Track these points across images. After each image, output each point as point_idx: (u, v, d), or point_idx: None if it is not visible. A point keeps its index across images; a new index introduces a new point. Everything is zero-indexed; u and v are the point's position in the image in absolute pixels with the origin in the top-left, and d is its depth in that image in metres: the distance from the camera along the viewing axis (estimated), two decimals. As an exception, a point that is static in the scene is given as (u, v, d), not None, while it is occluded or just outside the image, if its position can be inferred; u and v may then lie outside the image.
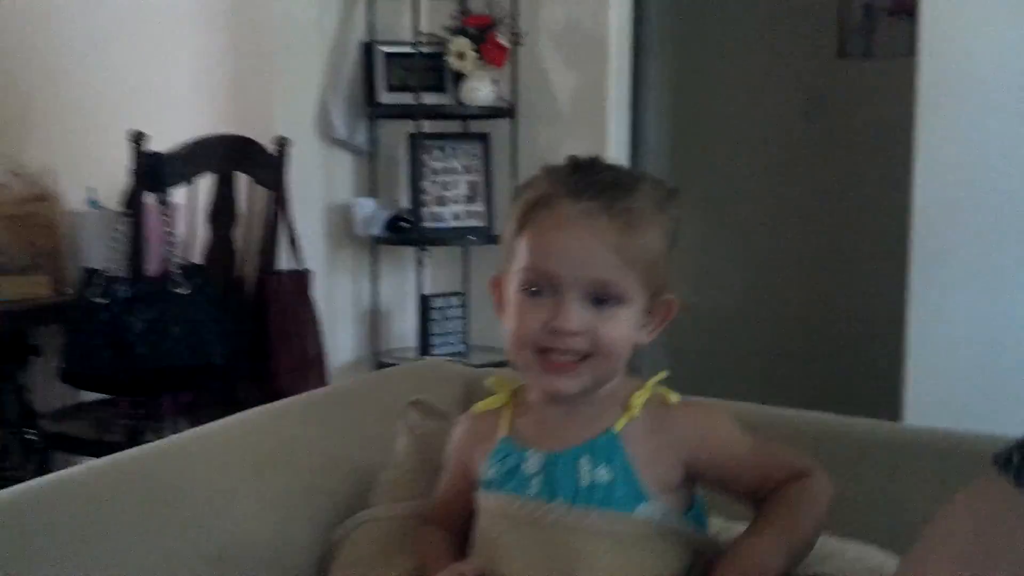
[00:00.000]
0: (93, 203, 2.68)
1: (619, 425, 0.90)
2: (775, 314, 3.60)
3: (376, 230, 2.83)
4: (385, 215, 2.84)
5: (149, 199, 2.19)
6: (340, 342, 2.90)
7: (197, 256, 2.35)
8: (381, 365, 2.81)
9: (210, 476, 1.06)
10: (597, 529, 0.88)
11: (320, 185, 2.84)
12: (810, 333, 3.55)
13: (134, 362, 2.14)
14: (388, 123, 2.92)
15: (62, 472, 1.04)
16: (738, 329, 3.52)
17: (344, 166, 2.91)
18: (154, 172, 2.15)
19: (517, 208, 0.90)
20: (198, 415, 2.36)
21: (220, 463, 1.08)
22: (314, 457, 1.13)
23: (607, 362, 0.88)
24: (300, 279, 2.49)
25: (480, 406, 0.99)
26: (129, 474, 1.07)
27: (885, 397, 2.46)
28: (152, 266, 2.26)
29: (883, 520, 1.00)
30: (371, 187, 2.91)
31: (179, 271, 2.19)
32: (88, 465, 1.09)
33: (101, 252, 2.29)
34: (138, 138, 2.15)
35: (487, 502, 0.94)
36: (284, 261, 2.48)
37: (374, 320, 2.98)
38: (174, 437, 1.14)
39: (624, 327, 0.88)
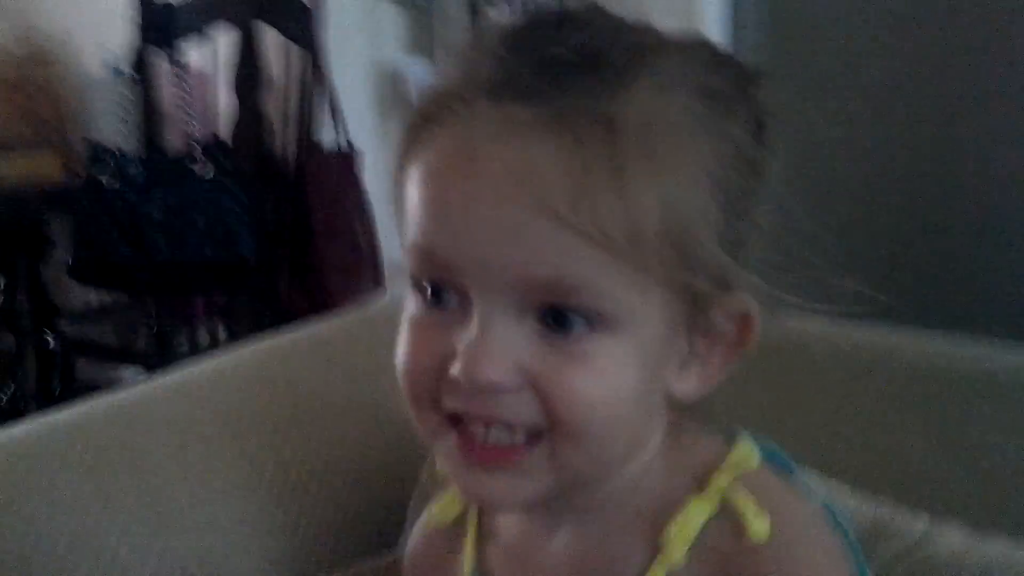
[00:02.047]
0: (114, 70, 2.33)
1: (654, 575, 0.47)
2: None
3: (433, 98, 2.44)
4: (443, 80, 2.44)
5: (159, 59, 1.82)
6: (394, 233, 2.55)
7: (222, 131, 1.99)
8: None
9: (176, 446, 0.72)
10: None
11: (364, 44, 2.44)
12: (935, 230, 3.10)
13: (153, 256, 1.82)
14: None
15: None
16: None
17: (392, 20, 2.50)
18: (160, 23, 1.77)
19: (410, 116, 0.46)
20: (235, 319, 2.07)
21: (189, 427, 0.74)
22: (338, 416, 0.79)
23: (577, 450, 0.44)
24: (346, 159, 2.13)
25: (432, 515, 0.58)
26: (82, 435, 0.73)
27: None
28: (169, 142, 1.91)
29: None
30: (426, 46, 2.50)
31: (199, 148, 1.83)
32: (28, 425, 0.76)
33: (113, 125, 1.96)
34: (141, -18, 1.77)
35: None
36: (325, 137, 2.11)
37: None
38: (139, 386, 0.80)
39: (612, 377, 0.44)
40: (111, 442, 0.73)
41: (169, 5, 1.81)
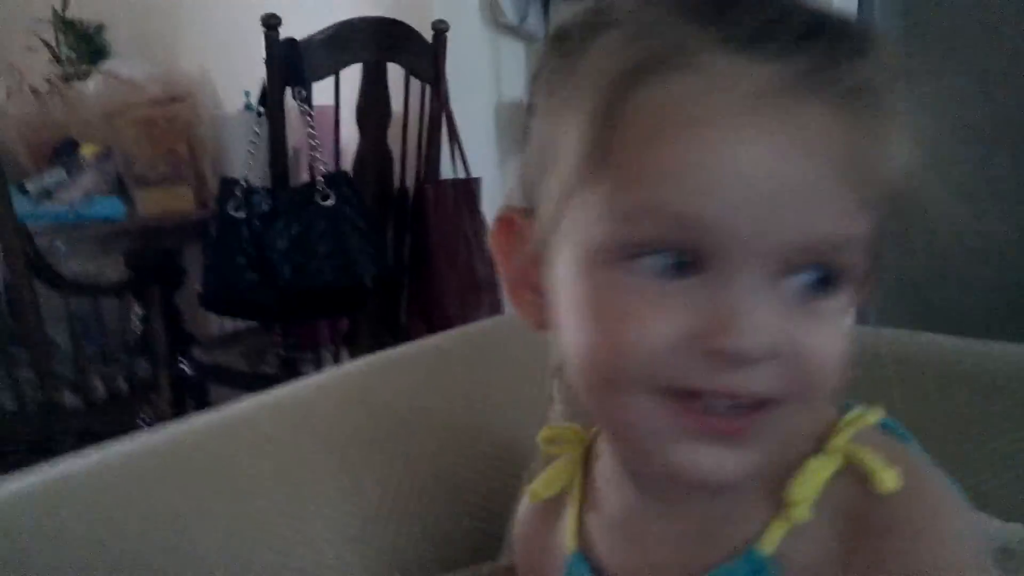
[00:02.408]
0: (249, 106, 2.43)
1: (770, 539, 0.45)
2: None
3: (553, 130, 2.43)
4: (563, 112, 2.44)
5: (288, 97, 1.88)
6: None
7: (346, 163, 2.04)
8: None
9: (274, 466, 0.72)
10: None
11: (488, 80, 2.47)
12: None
13: (278, 284, 1.87)
14: (566, 5, 2.48)
15: (75, 461, 0.72)
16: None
17: (516, 57, 2.51)
18: (291, 63, 1.83)
19: (599, 69, 0.42)
20: (357, 344, 2.10)
21: (287, 447, 0.74)
22: (435, 433, 0.78)
23: (807, 409, 0.44)
24: (466, 187, 2.15)
25: (534, 492, 0.56)
26: (182, 451, 0.75)
27: None
28: (295, 175, 1.97)
29: None
30: (547, 79, 2.51)
31: (323, 180, 1.88)
32: (124, 447, 0.77)
33: (244, 160, 2.02)
34: (272, 22, 1.83)
35: None
36: (446, 168, 2.14)
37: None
38: (242, 404, 0.81)
39: (843, 334, 0.44)
40: (210, 458, 0.74)
41: (299, 46, 1.86)
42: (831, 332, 0.43)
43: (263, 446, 0.76)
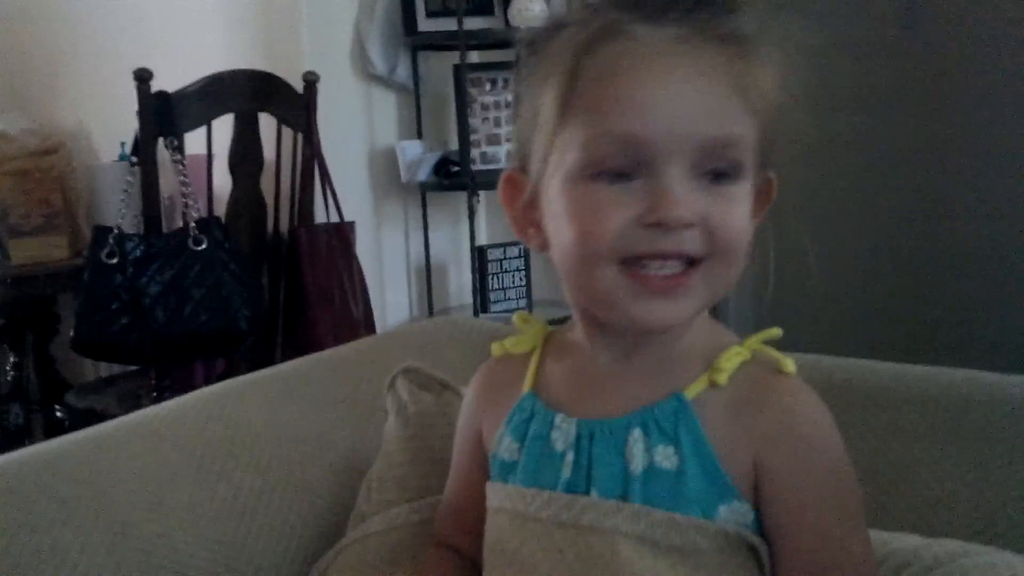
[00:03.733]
0: (123, 156, 2.48)
1: (692, 390, 0.63)
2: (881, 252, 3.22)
3: (422, 175, 2.55)
4: (432, 158, 2.56)
5: (161, 146, 1.95)
6: (392, 300, 2.65)
7: (219, 209, 2.11)
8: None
9: (142, 471, 0.81)
10: (657, 540, 0.60)
11: (361, 128, 2.58)
12: (926, 276, 3.17)
13: (152, 328, 1.92)
14: (431, 55, 2.63)
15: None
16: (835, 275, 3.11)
17: (386, 106, 2.64)
18: (163, 115, 1.91)
19: (562, 50, 0.61)
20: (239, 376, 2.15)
21: (154, 456, 0.82)
22: (286, 446, 0.87)
23: (727, 269, 0.61)
24: (339, 231, 2.24)
25: (499, 348, 0.73)
26: (41, 471, 0.82)
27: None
28: (168, 222, 2.03)
29: None
30: (416, 128, 2.63)
31: (195, 225, 1.95)
32: (16, 455, 0.85)
33: (117, 208, 2.08)
34: (143, 76, 1.90)
35: (496, 496, 0.67)
36: (324, 214, 2.23)
37: (427, 276, 2.71)
38: (96, 428, 0.89)
39: (746, 212, 0.62)
40: (83, 471, 0.82)
41: (172, 98, 1.94)
42: (735, 209, 0.60)
43: (128, 460, 0.84)
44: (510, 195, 0.67)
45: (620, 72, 0.59)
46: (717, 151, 0.59)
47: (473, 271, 2.55)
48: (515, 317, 0.74)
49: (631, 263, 0.59)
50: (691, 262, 0.60)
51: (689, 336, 0.64)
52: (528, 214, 0.66)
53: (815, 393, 0.63)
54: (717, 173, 0.60)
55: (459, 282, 2.77)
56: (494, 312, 2.55)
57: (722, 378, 0.62)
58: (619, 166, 0.59)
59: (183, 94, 1.97)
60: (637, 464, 0.61)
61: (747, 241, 0.62)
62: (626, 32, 0.59)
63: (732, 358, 0.63)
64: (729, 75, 0.59)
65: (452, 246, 2.76)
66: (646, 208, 0.58)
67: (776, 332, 0.65)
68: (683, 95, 0.58)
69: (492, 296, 2.57)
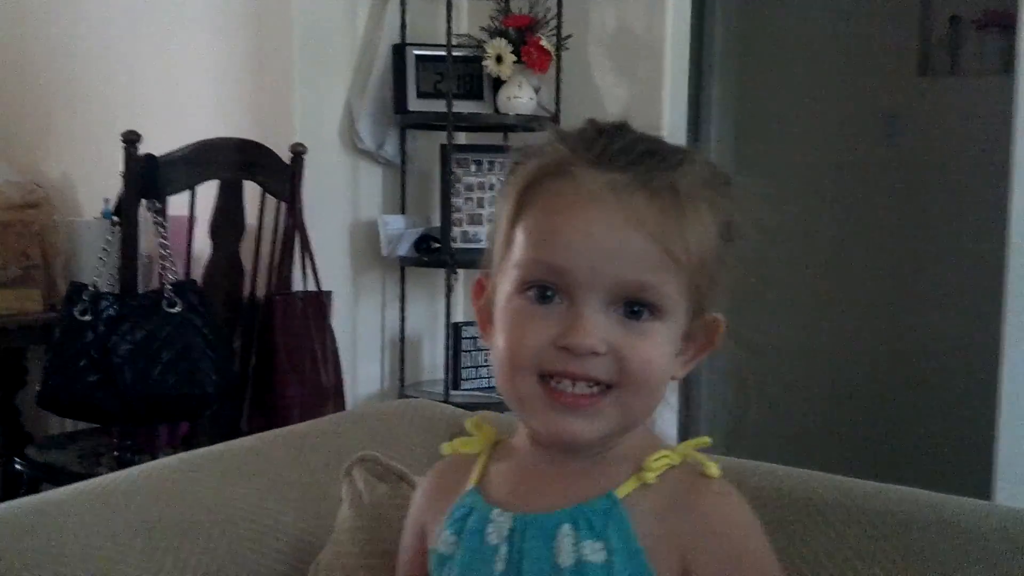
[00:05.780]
0: (107, 214, 2.49)
1: (623, 489, 0.67)
2: (843, 358, 3.26)
3: (403, 250, 2.58)
4: (414, 234, 2.59)
5: (143, 207, 1.97)
6: (364, 372, 2.65)
7: (197, 273, 2.12)
8: (406, 398, 2.55)
9: (89, 542, 0.80)
10: None
11: (345, 200, 2.61)
12: (885, 383, 3.21)
13: (119, 388, 1.91)
14: (419, 134, 2.68)
15: None
16: (799, 375, 3.14)
17: (372, 180, 2.67)
18: (148, 177, 1.93)
19: (517, 181, 0.68)
20: (195, 449, 2.14)
21: (104, 527, 0.82)
22: (237, 525, 0.87)
23: (637, 397, 0.66)
24: (315, 300, 2.25)
25: (449, 447, 0.76)
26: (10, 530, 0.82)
27: (974, 465, 2.13)
28: (146, 282, 2.04)
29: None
30: (400, 203, 2.67)
31: (171, 288, 1.95)
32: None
33: (95, 266, 2.08)
34: (131, 139, 1.93)
35: None
36: (302, 282, 2.25)
37: (401, 349, 2.72)
38: (46, 494, 0.89)
39: (662, 349, 0.66)
40: (29, 539, 0.82)
41: (158, 161, 1.96)
42: (647, 343, 0.65)
43: (77, 530, 0.83)
44: (477, 294, 0.73)
45: (557, 209, 0.65)
46: (632, 292, 0.64)
47: (447, 347, 2.56)
48: (467, 422, 0.77)
49: (547, 378, 0.65)
50: (606, 386, 0.65)
51: (626, 441, 0.68)
52: (488, 313, 0.70)
53: (740, 495, 0.67)
54: (634, 309, 0.65)
55: (432, 357, 2.78)
56: (465, 390, 2.56)
57: (650, 477, 0.66)
58: (545, 288, 0.65)
59: (170, 159, 2.00)
60: (566, 558, 0.64)
61: (663, 374, 0.67)
62: (571, 173, 0.65)
63: (660, 459, 0.67)
64: (656, 225, 0.64)
65: (428, 321, 2.77)
66: (560, 331, 0.64)
67: (706, 440, 0.69)
68: (606, 239, 0.64)
69: (464, 373, 2.58)
